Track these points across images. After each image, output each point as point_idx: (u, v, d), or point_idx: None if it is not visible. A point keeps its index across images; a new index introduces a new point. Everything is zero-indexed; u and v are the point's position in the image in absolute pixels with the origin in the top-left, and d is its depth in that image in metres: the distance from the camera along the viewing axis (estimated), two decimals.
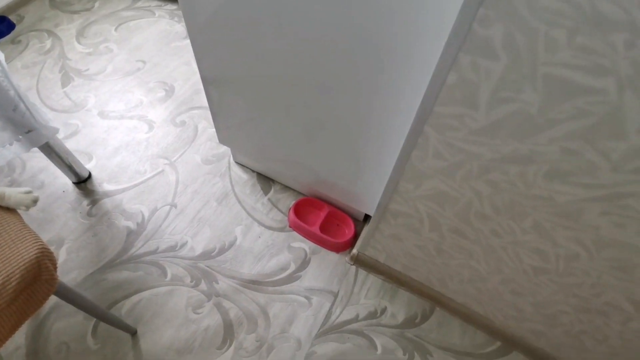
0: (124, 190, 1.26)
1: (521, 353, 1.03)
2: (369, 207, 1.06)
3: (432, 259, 0.92)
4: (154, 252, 1.13)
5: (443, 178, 0.67)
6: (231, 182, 1.29)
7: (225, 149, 1.37)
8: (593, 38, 0.40)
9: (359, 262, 1.12)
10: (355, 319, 1.05)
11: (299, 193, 1.28)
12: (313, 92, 0.81)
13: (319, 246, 1.17)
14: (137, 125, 1.43)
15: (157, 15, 1.87)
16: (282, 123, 0.97)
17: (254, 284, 1.09)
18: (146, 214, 1.20)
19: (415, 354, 1.01)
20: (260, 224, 1.20)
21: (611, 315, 0.73)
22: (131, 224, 1.18)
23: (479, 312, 1.01)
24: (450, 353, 1.02)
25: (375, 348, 1.01)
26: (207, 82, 0.99)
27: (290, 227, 1.20)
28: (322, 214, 1.19)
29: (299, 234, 1.19)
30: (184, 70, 1.62)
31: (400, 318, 1.06)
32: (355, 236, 1.17)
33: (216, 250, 1.14)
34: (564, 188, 0.55)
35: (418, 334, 1.04)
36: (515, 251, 0.73)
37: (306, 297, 1.07)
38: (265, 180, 1.31)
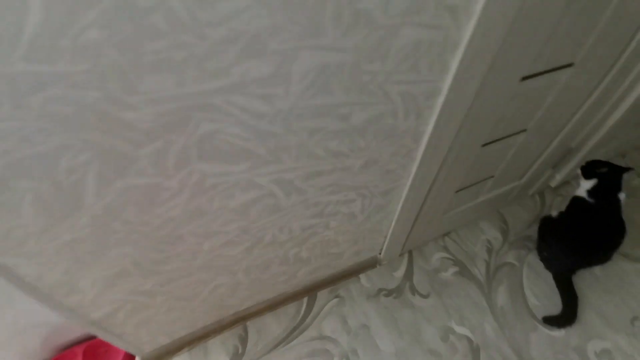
0: None
1: (320, 290, 1.17)
2: None
3: (190, 303, 0.90)
4: None
5: None
6: None
7: None
8: None
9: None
10: None
11: None
12: None
13: None
14: None
15: None
16: None
17: None
18: None
19: None
20: None
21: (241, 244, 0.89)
22: None
23: (269, 296, 1.08)
24: (280, 345, 1.06)
25: None
26: None
27: None
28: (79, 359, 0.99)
29: None
30: None
31: None
32: None
33: None
34: None
35: (249, 359, 1.03)
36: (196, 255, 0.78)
37: None
38: None
